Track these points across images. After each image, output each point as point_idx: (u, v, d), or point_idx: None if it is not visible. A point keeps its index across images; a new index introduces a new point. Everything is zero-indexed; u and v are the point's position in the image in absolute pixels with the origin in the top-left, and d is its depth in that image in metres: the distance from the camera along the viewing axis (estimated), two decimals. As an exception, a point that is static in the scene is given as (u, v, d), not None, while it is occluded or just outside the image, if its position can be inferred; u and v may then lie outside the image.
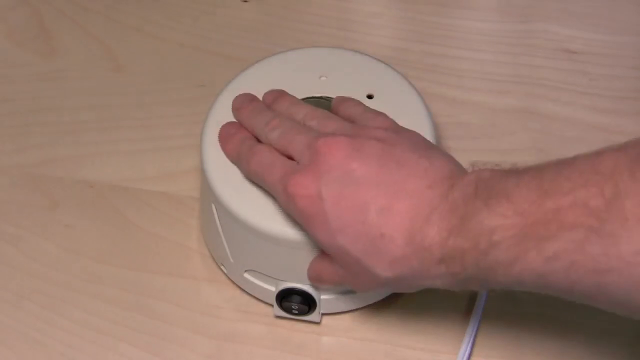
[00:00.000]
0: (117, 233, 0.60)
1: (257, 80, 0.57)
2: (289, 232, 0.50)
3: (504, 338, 0.54)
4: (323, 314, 0.55)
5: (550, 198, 0.39)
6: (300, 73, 0.57)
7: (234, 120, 0.55)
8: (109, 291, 0.57)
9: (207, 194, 0.54)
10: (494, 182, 0.42)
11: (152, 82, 0.68)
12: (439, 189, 0.44)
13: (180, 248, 0.59)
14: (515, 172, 0.42)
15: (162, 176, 0.63)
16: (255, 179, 0.51)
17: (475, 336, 0.54)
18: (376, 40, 0.70)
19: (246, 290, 0.56)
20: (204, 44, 0.70)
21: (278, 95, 0.55)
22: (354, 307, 0.55)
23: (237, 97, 0.55)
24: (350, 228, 0.45)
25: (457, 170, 0.46)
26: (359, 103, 0.54)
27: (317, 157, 0.47)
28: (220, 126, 0.55)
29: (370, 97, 0.56)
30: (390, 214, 0.44)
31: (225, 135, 0.54)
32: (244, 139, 0.53)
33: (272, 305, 0.55)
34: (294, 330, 0.55)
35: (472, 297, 0.55)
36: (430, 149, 0.48)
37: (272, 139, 0.51)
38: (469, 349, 0.53)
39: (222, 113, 0.56)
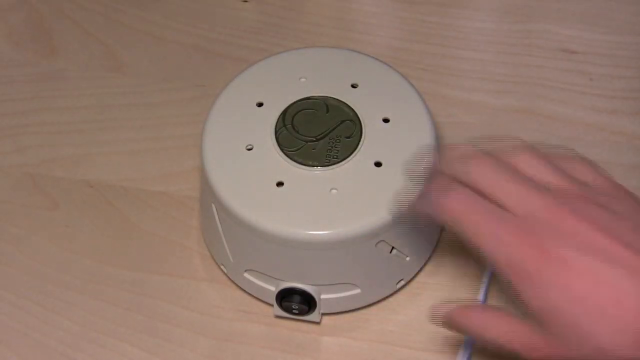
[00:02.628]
0: (117, 233, 0.60)
1: (257, 80, 0.57)
2: (289, 232, 0.50)
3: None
4: (323, 314, 0.55)
5: None
6: (300, 73, 0.57)
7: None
8: (109, 291, 0.57)
9: (207, 194, 0.54)
10: None
11: (152, 82, 0.68)
12: None
13: (180, 248, 0.59)
14: None
15: (162, 176, 0.63)
16: (450, 221, 0.45)
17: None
18: (376, 40, 0.70)
19: (246, 290, 0.56)
20: (204, 44, 0.70)
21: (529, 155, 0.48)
22: (354, 307, 0.55)
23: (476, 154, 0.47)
24: (593, 301, 0.41)
25: None
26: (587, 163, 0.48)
27: (548, 215, 0.43)
28: (220, 126, 0.55)
29: (370, 97, 0.56)
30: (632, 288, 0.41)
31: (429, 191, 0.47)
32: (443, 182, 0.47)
33: (272, 305, 0.55)
34: (294, 330, 0.55)
35: (472, 297, 0.55)
36: None
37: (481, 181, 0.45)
38: (469, 349, 0.53)
39: (222, 113, 0.56)
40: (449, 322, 0.47)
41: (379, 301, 0.55)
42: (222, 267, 0.57)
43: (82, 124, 0.66)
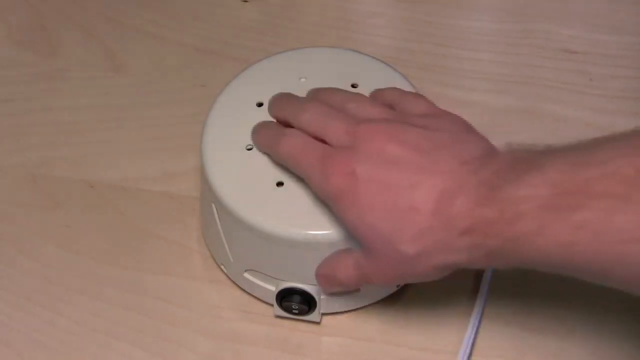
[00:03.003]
0: (117, 233, 0.60)
1: (257, 80, 0.57)
2: (289, 232, 0.50)
3: (504, 338, 0.54)
4: (323, 314, 0.55)
5: (581, 169, 0.39)
6: (300, 73, 0.57)
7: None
8: (109, 291, 0.57)
9: (207, 194, 0.54)
10: (528, 157, 0.43)
11: (152, 82, 0.68)
12: (472, 165, 0.45)
13: (180, 248, 0.59)
14: (550, 150, 0.43)
15: (162, 176, 0.63)
16: (287, 162, 0.51)
17: (476, 336, 0.54)
18: (376, 40, 0.70)
19: (246, 290, 0.56)
20: (204, 44, 0.70)
21: (315, 91, 0.55)
22: (354, 307, 0.55)
23: (274, 97, 0.55)
24: (380, 205, 0.45)
25: (491, 150, 0.47)
26: (396, 88, 0.55)
27: (357, 142, 0.47)
28: (220, 126, 0.55)
29: (370, 97, 0.56)
30: (420, 189, 0.45)
31: (257, 128, 0.54)
32: (274, 126, 0.53)
33: (272, 305, 0.55)
34: (294, 330, 0.55)
35: (473, 297, 0.55)
36: (468, 133, 0.49)
37: (303, 121, 0.51)
38: (469, 348, 0.53)
39: (222, 113, 0.56)
40: (319, 278, 0.51)
41: (379, 301, 0.55)
42: (222, 267, 0.57)
43: (82, 124, 0.66)
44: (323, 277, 0.51)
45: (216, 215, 0.54)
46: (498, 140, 0.63)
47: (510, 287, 0.55)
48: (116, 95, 0.68)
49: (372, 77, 0.57)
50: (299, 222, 0.50)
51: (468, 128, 0.50)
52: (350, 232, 0.48)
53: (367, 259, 0.48)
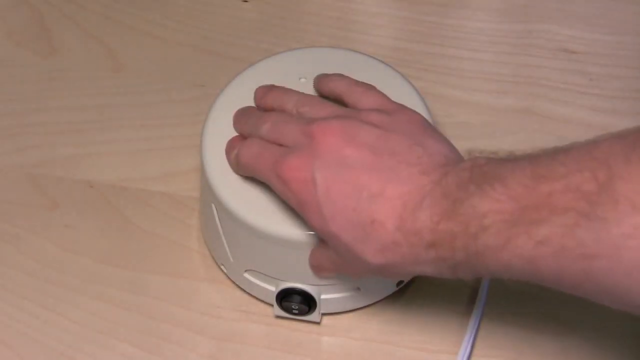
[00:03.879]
0: (117, 233, 0.60)
1: (257, 80, 0.57)
2: (289, 232, 0.50)
3: (504, 338, 0.54)
4: (323, 314, 0.55)
5: (544, 183, 0.39)
6: (300, 73, 0.57)
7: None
8: (109, 291, 0.57)
9: (207, 194, 0.54)
10: (489, 167, 0.42)
11: (152, 82, 0.68)
12: (433, 176, 0.44)
13: (180, 248, 0.59)
14: (512, 159, 0.42)
15: (162, 176, 0.63)
16: (247, 172, 0.51)
17: (476, 336, 0.54)
18: (376, 40, 0.70)
19: (246, 290, 0.56)
20: (204, 44, 0.70)
21: (267, 89, 0.55)
22: (354, 307, 0.55)
23: (235, 113, 0.55)
24: (341, 215, 0.45)
25: (452, 156, 0.46)
26: (343, 76, 0.54)
27: (311, 141, 0.47)
28: (220, 126, 0.55)
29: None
30: (381, 200, 0.44)
31: (227, 148, 0.54)
32: (235, 140, 0.53)
33: (272, 305, 0.55)
34: (294, 330, 0.55)
35: (472, 297, 0.55)
36: (426, 134, 0.48)
37: (263, 132, 0.51)
38: (469, 348, 0.53)
39: (222, 113, 0.56)
40: (311, 267, 0.51)
41: (379, 301, 0.55)
42: (222, 267, 0.57)
43: (82, 124, 0.66)
44: (313, 266, 0.52)
45: (216, 216, 0.54)
46: (498, 140, 0.63)
47: (510, 287, 0.55)
48: (116, 95, 0.68)
49: (372, 77, 0.57)
50: (298, 222, 0.50)
51: (425, 127, 0.49)
52: (319, 236, 0.48)
53: (338, 257, 0.48)
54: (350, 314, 0.56)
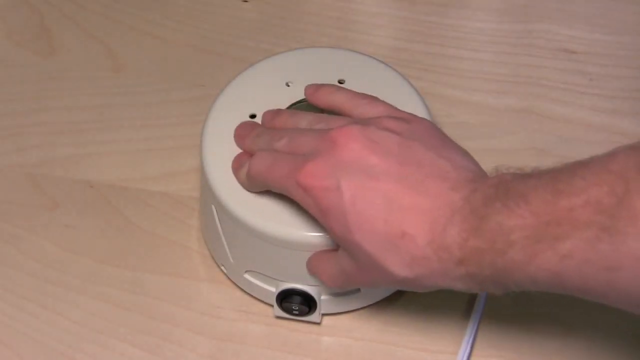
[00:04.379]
0: (117, 233, 0.60)
1: (257, 81, 0.57)
2: (289, 232, 0.50)
3: (504, 338, 0.54)
4: (323, 315, 0.55)
5: (565, 198, 0.39)
6: (300, 73, 0.57)
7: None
8: (109, 291, 0.57)
9: (207, 194, 0.54)
10: (514, 184, 0.42)
11: (152, 82, 0.68)
12: (462, 192, 0.44)
13: (180, 248, 0.59)
14: (535, 175, 0.42)
15: (162, 176, 0.63)
16: (259, 184, 0.50)
17: (475, 336, 0.54)
18: (376, 40, 0.70)
19: (246, 290, 0.56)
20: (204, 44, 0.70)
21: (275, 112, 0.54)
22: (354, 307, 0.55)
23: (238, 126, 0.54)
24: (368, 225, 0.45)
25: (477, 170, 0.46)
26: (339, 88, 0.53)
27: (331, 147, 0.46)
28: (220, 126, 0.55)
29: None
30: (412, 214, 0.44)
31: (234, 165, 0.53)
32: (246, 157, 0.52)
33: (272, 306, 0.55)
34: (294, 330, 0.55)
35: (472, 297, 0.55)
36: (446, 145, 0.48)
37: (279, 147, 0.50)
38: (468, 349, 0.53)
39: (222, 113, 0.56)
40: (309, 270, 0.51)
41: (379, 301, 0.55)
42: (222, 267, 0.57)
43: (82, 124, 0.66)
44: (311, 271, 0.51)
45: (216, 216, 0.54)
46: (498, 140, 0.63)
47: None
48: (116, 95, 0.68)
49: (372, 78, 0.57)
50: (299, 223, 0.50)
51: (442, 136, 0.49)
52: (337, 243, 0.48)
53: (353, 267, 0.47)
54: (350, 314, 0.56)
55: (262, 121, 0.55)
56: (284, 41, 0.69)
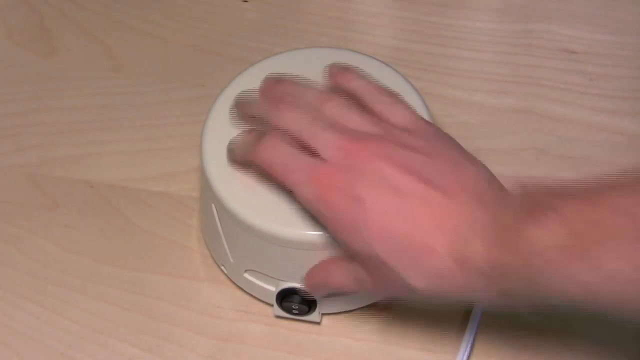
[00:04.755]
0: (117, 233, 0.60)
1: (257, 81, 0.57)
2: (289, 232, 0.50)
3: (504, 338, 0.54)
4: (323, 314, 0.55)
5: (594, 210, 0.39)
6: (300, 73, 0.57)
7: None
8: (109, 291, 0.57)
9: (207, 194, 0.54)
10: (540, 196, 0.42)
11: (152, 82, 0.68)
12: (485, 206, 0.43)
13: (180, 248, 0.59)
14: (561, 187, 0.42)
15: (162, 176, 0.63)
16: (268, 169, 0.49)
17: (475, 336, 0.54)
18: (376, 40, 0.70)
19: (246, 290, 0.56)
20: (204, 44, 0.70)
21: (278, 79, 0.53)
22: (354, 307, 0.55)
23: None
24: (389, 238, 0.44)
25: (496, 183, 0.46)
26: (363, 77, 0.52)
27: (351, 158, 0.46)
28: (220, 126, 0.55)
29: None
30: (438, 229, 0.43)
31: (234, 139, 0.52)
32: (252, 132, 0.51)
33: (272, 305, 0.55)
34: (294, 330, 0.55)
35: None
36: (464, 159, 0.47)
37: (284, 122, 0.49)
38: (468, 348, 0.53)
39: (222, 113, 0.56)
40: (308, 284, 0.51)
41: (379, 301, 0.55)
42: (222, 267, 0.57)
43: (82, 124, 0.66)
44: (313, 285, 0.51)
45: (216, 216, 0.54)
46: (498, 140, 0.63)
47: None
48: (116, 95, 0.68)
49: (372, 78, 0.57)
50: (298, 222, 0.50)
51: (460, 150, 0.48)
52: (351, 253, 0.47)
53: (368, 276, 0.47)
54: (350, 314, 0.56)
55: (262, 86, 0.54)
56: (284, 41, 0.69)
